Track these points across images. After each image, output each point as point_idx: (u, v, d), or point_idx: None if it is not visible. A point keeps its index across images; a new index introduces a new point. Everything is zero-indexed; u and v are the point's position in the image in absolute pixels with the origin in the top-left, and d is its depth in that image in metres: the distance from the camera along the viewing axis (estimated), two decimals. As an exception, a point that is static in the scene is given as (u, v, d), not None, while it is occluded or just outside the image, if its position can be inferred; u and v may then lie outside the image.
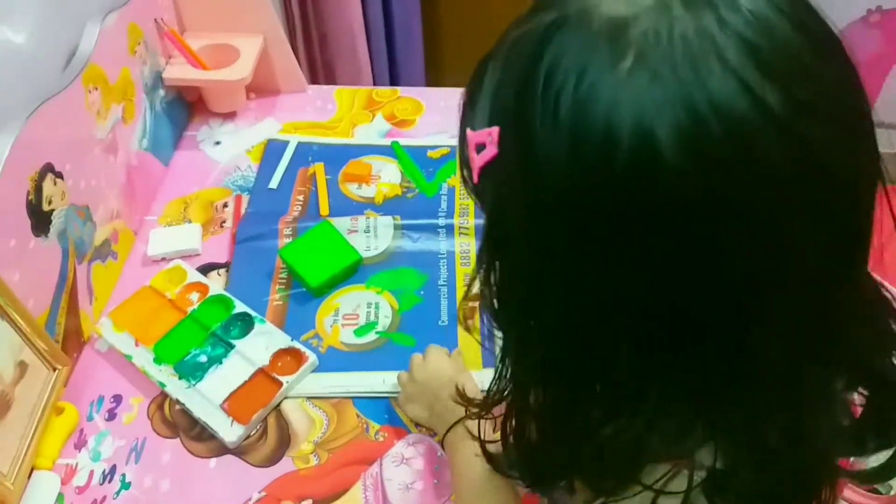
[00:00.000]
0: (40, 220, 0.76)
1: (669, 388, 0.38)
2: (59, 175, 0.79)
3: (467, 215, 0.98)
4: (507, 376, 0.45)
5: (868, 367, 0.41)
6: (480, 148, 0.37)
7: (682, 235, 0.33)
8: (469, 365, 0.82)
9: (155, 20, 1.01)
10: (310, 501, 0.73)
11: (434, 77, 1.92)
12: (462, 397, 0.61)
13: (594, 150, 0.32)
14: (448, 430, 0.68)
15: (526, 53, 0.35)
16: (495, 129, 0.36)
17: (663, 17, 0.32)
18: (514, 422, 0.47)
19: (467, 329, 0.82)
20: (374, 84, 1.73)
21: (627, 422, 0.39)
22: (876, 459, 0.45)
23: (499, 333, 0.44)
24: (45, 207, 0.77)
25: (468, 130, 0.39)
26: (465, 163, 0.40)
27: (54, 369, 0.78)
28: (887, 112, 1.87)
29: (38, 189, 0.75)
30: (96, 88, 0.86)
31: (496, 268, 0.41)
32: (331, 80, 1.68)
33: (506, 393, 0.46)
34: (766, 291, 0.34)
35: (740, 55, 0.31)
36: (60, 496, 0.73)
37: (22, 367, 0.73)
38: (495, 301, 0.42)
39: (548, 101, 0.33)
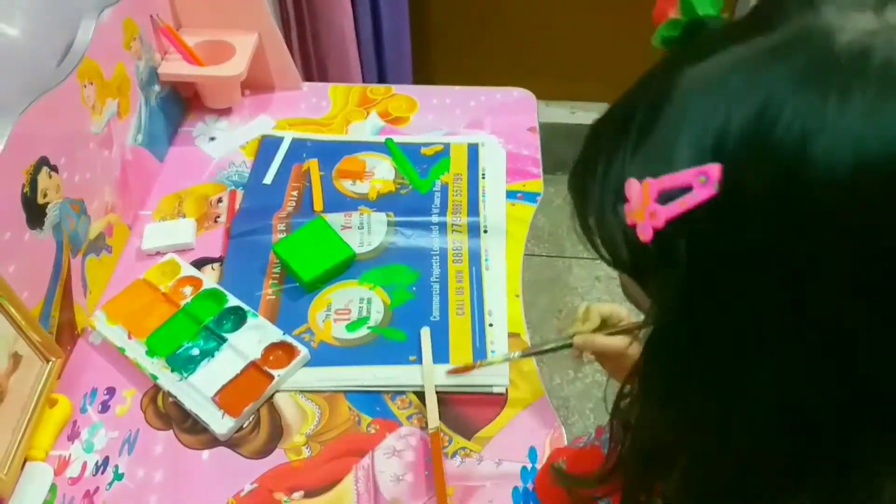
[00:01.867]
0: (35, 213, 0.76)
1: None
2: (55, 168, 0.79)
3: (460, 213, 0.99)
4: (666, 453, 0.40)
5: None
6: (674, 195, 0.32)
7: None
8: (459, 361, 0.83)
9: (151, 16, 1.02)
10: (301, 493, 0.74)
11: (422, 76, 1.93)
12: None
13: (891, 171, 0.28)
14: None
15: (746, 89, 0.31)
16: (715, 167, 0.31)
17: None
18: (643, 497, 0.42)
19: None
20: (364, 82, 1.74)
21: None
22: None
23: None
24: (40, 200, 0.77)
25: (632, 180, 0.33)
26: (608, 221, 0.35)
27: (48, 361, 0.79)
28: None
29: (33, 182, 0.76)
30: (91, 83, 0.86)
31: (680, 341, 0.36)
32: (323, 76, 1.68)
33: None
34: None
35: None
36: (53, 487, 0.74)
37: (16, 358, 0.74)
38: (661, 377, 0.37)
39: (793, 135, 0.29)
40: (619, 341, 0.69)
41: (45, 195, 0.78)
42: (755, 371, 0.33)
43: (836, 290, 0.30)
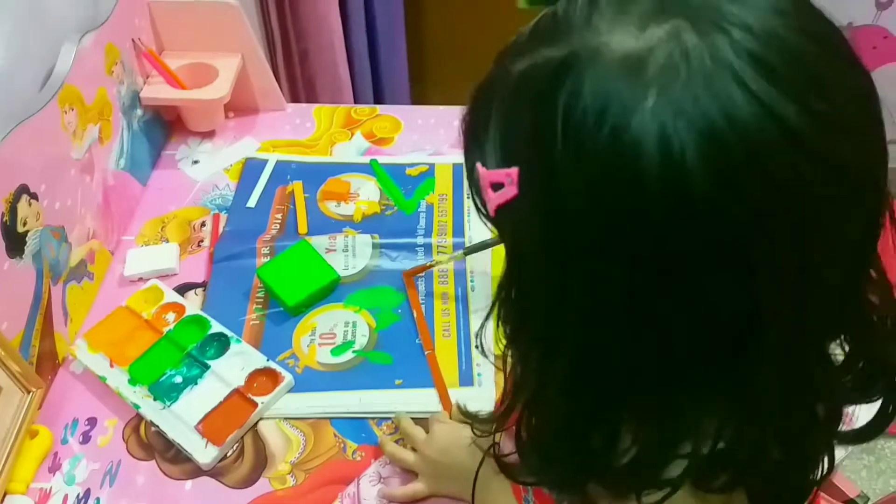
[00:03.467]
0: (14, 241, 0.76)
1: (702, 394, 0.39)
2: (34, 196, 0.79)
3: (445, 234, 0.99)
4: (525, 388, 0.45)
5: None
6: (497, 187, 0.38)
7: (714, 254, 0.34)
8: (446, 383, 0.83)
9: (132, 40, 1.01)
10: (286, 523, 0.73)
11: (418, 93, 1.93)
12: (467, 415, 0.63)
13: (625, 188, 0.33)
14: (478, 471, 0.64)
15: (539, 93, 0.36)
16: (514, 171, 0.37)
17: (677, 48, 0.33)
18: (527, 432, 0.47)
19: (483, 353, 0.80)
20: (357, 101, 1.74)
21: (654, 429, 0.41)
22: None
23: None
24: (20, 229, 0.76)
25: (479, 166, 0.39)
26: (478, 194, 0.41)
27: (28, 392, 0.78)
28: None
29: (13, 210, 0.75)
30: (72, 109, 0.86)
31: (513, 294, 0.42)
32: (312, 97, 1.68)
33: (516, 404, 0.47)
34: (793, 296, 0.35)
35: (757, 76, 0.32)
36: (33, 521, 0.73)
37: (-6, 390, 0.73)
38: (514, 324, 0.43)
39: (569, 142, 0.34)
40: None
41: (24, 223, 0.77)
42: (563, 334, 0.39)
43: (598, 266, 0.36)
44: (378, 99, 1.82)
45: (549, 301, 0.39)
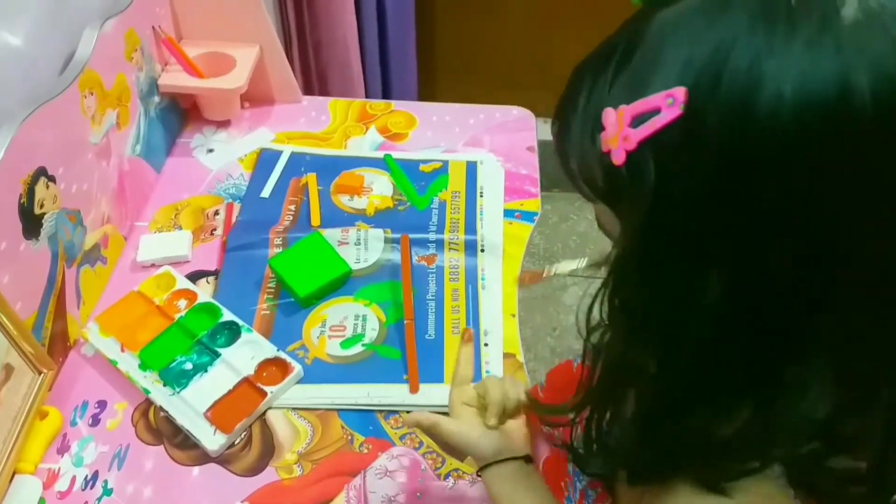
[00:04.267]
0: (31, 223, 0.76)
1: (824, 362, 0.38)
2: (52, 179, 0.79)
3: (457, 231, 0.99)
4: (628, 371, 0.44)
5: None
6: (644, 118, 0.35)
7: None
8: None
9: (153, 27, 1.02)
10: (292, 512, 0.73)
11: (427, 92, 1.94)
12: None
13: (830, 105, 0.32)
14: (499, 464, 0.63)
15: (711, 23, 0.35)
16: (680, 90, 0.34)
17: None
18: (604, 421, 0.46)
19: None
20: (367, 96, 1.74)
21: (757, 410, 0.40)
22: None
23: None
24: (37, 211, 0.77)
25: (608, 109, 0.37)
26: (587, 153, 0.39)
27: (40, 373, 0.78)
28: None
29: (31, 192, 0.76)
30: (92, 93, 0.86)
31: (640, 265, 0.39)
32: (324, 89, 1.69)
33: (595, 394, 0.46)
34: None
35: None
36: (42, 500, 0.73)
37: (7, 369, 0.73)
38: (628, 291, 0.41)
39: (767, 65, 0.33)
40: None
41: (41, 205, 0.77)
42: (706, 284, 0.37)
43: (773, 216, 0.34)
44: (387, 94, 1.83)
45: (706, 252, 0.36)
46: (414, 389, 0.82)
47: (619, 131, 0.36)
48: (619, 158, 0.37)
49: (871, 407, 0.40)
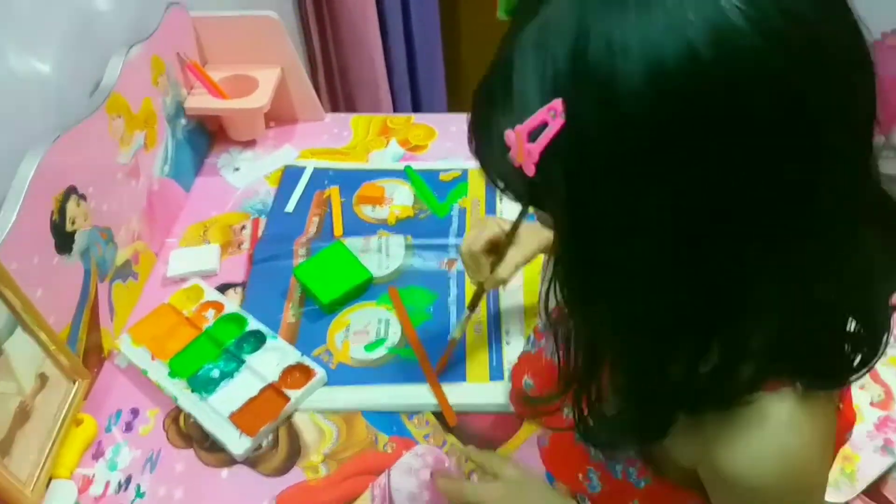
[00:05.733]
0: (63, 239, 0.80)
1: (771, 288, 0.41)
2: (83, 197, 0.83)
3: (476, 234, 1.00)
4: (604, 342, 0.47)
5: None
6: (537, 132, 0.39)
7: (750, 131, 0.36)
8: (476, 379, 0.84)
9: (177, 53, 1.06)
10: (318, 510, 0.74)
11: (455, 102, 1.98)
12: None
13: (677, 75, 0.35)
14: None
15: (563, 30, 0.38)
16: (557, 102, 0.38)
17: None
18: (591, 396, 0.49)
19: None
20: (396, 111, 1.79)
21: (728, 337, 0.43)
22: None
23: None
24: (69, 228, 0.81)
25: (508, 132, 0.41)
26: (504, 169, 0.42)
27: (74, 382, 0.81)
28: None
29: (62, 210, 0.79)
30: (119, 116, 0.90)
31: (576, 249, 0.43)
32: (351, 109, 1.73)
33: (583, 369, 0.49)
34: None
35: None
36: (77, 505, 0.76)
37: (42, 378, 0.76)
38: (582, 281, 0.44)
39: (614, 51, 0.36)
40: (508, 271, 0.78)
41: (73, 222, 0.81)
42: (633, 251, 0.40)
43: (667, 175, 0.37)
44: (416, 109, 1.87)
45: (625, 224, 0.40)
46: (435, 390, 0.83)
47: (522, 148, 0.40)
48: (529, 171, 0.40)
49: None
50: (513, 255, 0.78)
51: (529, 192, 0.43)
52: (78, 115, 0.84)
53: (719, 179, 0.37)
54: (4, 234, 0.70)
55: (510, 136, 0.41)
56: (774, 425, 0.45)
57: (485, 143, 0.45)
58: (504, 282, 0.79)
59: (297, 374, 0.85)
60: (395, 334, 0.90)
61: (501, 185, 0.45)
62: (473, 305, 0.82)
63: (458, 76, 1.98)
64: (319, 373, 0.84)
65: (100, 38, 0.91)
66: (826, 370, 0.46)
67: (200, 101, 1.10)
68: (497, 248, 0.78)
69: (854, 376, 0.47)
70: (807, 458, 0.46)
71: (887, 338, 0.47)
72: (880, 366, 1.20)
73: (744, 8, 0.35)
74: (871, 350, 0.47)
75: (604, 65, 0.36)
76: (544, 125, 0.39)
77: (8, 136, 0.77)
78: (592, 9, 0.37)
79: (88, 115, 0.84)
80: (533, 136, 0.39)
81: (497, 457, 0.73)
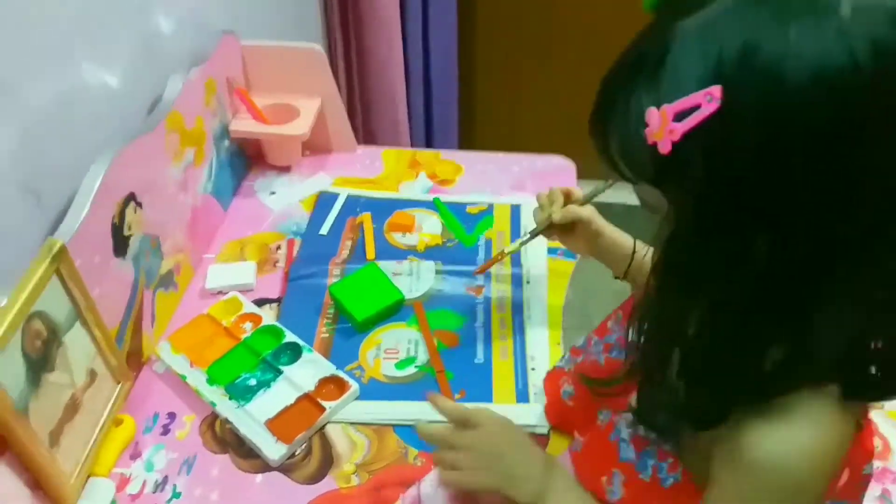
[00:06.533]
0: (120, 242, 0.83)
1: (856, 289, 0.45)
2: (140, 205, 0.87)
3: (503, 264, 1.04)
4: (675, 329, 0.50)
5: None
6: (686, 114, 0.42)
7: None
8: (502, 400, 0.87)
9: (227, 78, 1.12)
10: (350, 517, 0.76)
11: (465, 142, 2.05)
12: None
13: (840, 79, 0.40)
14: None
15: (734, 27, 0.42)
16: (716, 87, 0.41)
17: None
18: (655, 381, 0.53)
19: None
20: (411, 145, 1.85)
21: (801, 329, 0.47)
22: None
23: None
24: (126, 232, 0.84)
25: (653, 110, 0.43)
26: (630, 143, 0.45)
27: (118, 382, 0.84)
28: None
29: (122, 214, 0.83)
30: (175, 132, 0.95)
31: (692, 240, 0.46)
32: (370, 141, 1.79)
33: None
34: None
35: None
36: (114, 502, 0.78)
37: (92, 375, 0.79)
38: (683, 260, 0.47)
39: (785, 53, 0.40)
40: (586, 211, 0.87)
41: (129, 228, 0.85)
42: (753, 245, 0.43)
43: (809, 180, 0.41)
44: (429, 145, 1.93)
45: (751, 214, 0.43)
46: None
47: (664, 126, 0.43)
48: (665, 148, 0.43)
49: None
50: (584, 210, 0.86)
51: (655, 169, 0.45)
52: (138, 128, 0.88)
53: (859, 181, 0.41)
54: (74, 229, 0.74)
55: (653, 113, 0.43)
56: (804, 421, 0.48)
57: (615, 120, 0.47)
58: (574, 218, 0.86)
59: (332, 386, 0.88)
60: (424, 353, 0.93)
61: (618, 159, 0.48)
62: (536, 233, 0.90)
63: (471, 115, 2.06)
64: (354, 386, 0.87)
65: (162, 59, 0.97)
66: (870, 381, 0.49)
67: (245, 125, 1.15)
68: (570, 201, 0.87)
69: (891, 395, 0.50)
70: (821, 461, 0.49)
71: None
72: (879, 418, 1.25)
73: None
74: None
75: (773, 62, 0.40)
76: (696, 107, 0.41)
77: (77, 140, 0.82)
78: (765, 13, 0.41)
79: (150, 128, 0.89)
80: (680, 116, 0.42)
81: (474, 410, 0.73)
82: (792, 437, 0.48)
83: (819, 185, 0.42)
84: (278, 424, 0.83)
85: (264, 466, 0.81)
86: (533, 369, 0.91)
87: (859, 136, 0.40)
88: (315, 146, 1.26)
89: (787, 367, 0.48)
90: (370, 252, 1.07)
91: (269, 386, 0.88)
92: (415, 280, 1.02)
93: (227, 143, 1.14)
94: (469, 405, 0.73)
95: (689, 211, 0.45)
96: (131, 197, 0.85)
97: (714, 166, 0.43)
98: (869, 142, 0.41)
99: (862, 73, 0.39)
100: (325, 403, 0.85)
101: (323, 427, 0.85)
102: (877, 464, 1.16)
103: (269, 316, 0.97)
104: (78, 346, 0.76)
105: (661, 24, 0.46)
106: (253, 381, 0.88)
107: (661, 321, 0.52)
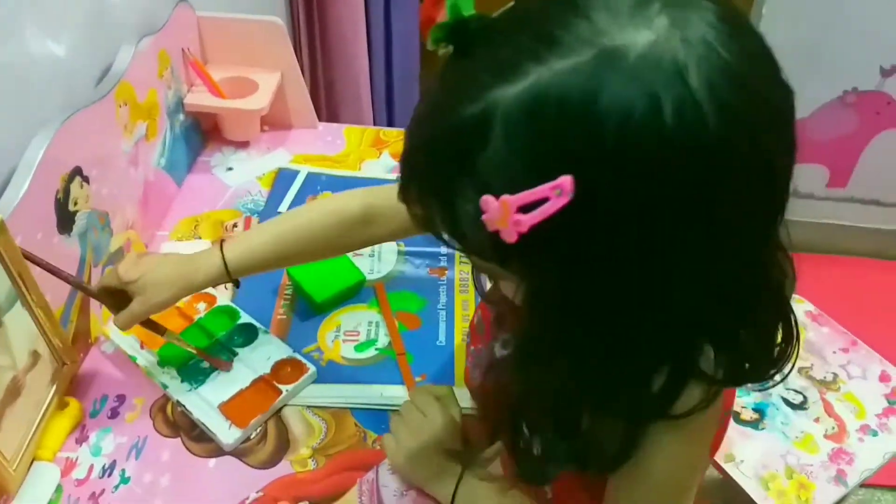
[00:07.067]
0: (65, 218, 0.80)
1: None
2: (86, 179, 0.83)
3: (467, 246, 1.03)
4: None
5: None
6: (532, 207, 0.37)
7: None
8: (465, 382, 0.86)
9: (182, 49, 1.07)
10: (306, 503, 0.74)
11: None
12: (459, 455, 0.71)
13: (692, 153, 0.38)
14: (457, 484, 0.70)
15: (576, 100, 0.37)
16: (566, 179, 0.36)
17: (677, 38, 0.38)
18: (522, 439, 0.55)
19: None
20: (374, 124, 1.82)
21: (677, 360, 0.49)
22: None
23: None
24: (71, 207, 0.81)
25: (489, 199, 0.38)
26: (466, 226, 0.41)
27: (63, 364, 0.80)
28: (860, 188, 1.96)
29: (67, 189, 0.79)
30: (126, 104, 0.91)
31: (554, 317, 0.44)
32: (334, 120, 1.76)
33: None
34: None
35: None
36: (59, 487, 0.75)
37: (35, 356, 0.76)
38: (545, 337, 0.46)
39: (627, 137, 0.36)
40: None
41: (75, 203, 0.81)
42: (623, 309, 0.42)
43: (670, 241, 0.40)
44: (391, 123, 1.91)
45: (619, 289, 0.41)
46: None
47: (507, 217, 0.38)
48: (511, 238, 0.38)
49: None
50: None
51: (499, 255, 0.41)
52: (85, 99, 0.84)
53: (722, 236, 0.40)
54: (14, 205, 0.70)
55: (490, 202, 0.38)
56: (693, 434, 0.53)
57: (439, 190, 0.42)
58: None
59: (289, 368, 0.85)
60: (385, 336, 0.91)
61: (446, 235, 0.44)
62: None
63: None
64: (311, 369, 0.85)
65: (111, 28, 0.92)
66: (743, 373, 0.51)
67: (200, 99, 1.11)
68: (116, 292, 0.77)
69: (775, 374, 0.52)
70: (706, 462, 0.55)
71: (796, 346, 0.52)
72: (835, 401, 1.27)
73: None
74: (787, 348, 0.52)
75: (620, 142, 0.36)
76: (544, 200, 0.37)
77: (20, 112, 0.77)
78: (616, 76, 0.37)
79: (98, 98, 0.85)
80: (525, 209, 0.37)
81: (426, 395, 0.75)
82: (683, 451, 0.54)
83: (687, 237, 0.40)
84: (232, 408, 0.81)
85: (217, 451, 0.79)
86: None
87: (719, 190, 0.39)
88: (274, 122, 1.23)
89: (673, 382, 0.49)
90: (330, 232, 1.04)
91: (223, 368, 0.85)
92: (376, 261, 1.00)
93: (181, 116, 1.10)
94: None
95: (547, 286, 0.42)
96: (77, 171, 0.81)
97: (576, 246, 0.39)
98: (727, 197, 0.39)
99: (711, 134, 0.37)
100: (281, 386, 0.83)
101: (279, 411, 0.83)
102: (832, 445, 1.19)
103: (223, 296, 0.94)
104: (19, 327, 0.72)
105: (472, 90, 0.40)
106: (206, 363, 0.85)
107: (526, 387, 0.52)
